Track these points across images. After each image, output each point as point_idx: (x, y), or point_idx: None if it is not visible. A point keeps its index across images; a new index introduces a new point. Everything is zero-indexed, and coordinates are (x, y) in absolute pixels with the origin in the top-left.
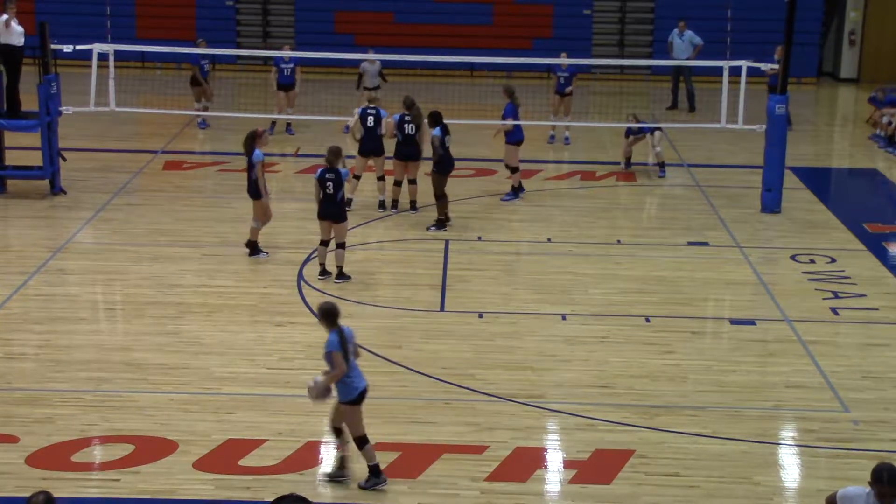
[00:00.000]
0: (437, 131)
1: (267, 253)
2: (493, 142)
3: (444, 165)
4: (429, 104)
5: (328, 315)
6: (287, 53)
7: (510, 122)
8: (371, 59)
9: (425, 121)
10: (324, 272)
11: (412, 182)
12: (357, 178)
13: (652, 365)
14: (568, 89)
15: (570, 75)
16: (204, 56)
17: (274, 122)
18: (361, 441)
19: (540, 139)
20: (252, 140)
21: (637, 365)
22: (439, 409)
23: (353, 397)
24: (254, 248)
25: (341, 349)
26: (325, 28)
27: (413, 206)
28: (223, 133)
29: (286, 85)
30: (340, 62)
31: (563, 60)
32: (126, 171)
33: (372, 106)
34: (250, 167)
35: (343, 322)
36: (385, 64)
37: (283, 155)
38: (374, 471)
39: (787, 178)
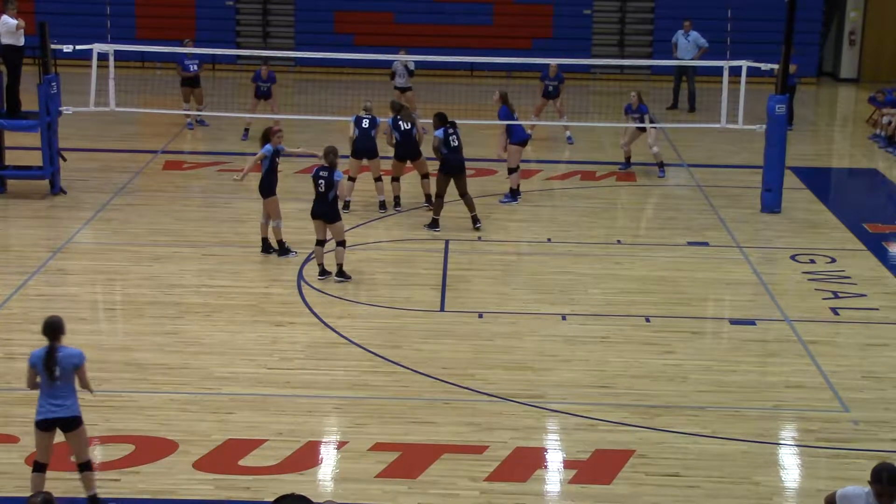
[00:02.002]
0: (439, 132)
1: (296, 252)
2: (493, 142)
3: (444, 166)
4: (429, 104)
5: (45, 329)
6: (271, 55)
7: (505, 122)
8: (403, 60)
9: (419, 119)
10: (323, 272)
11: (424, 177)
12: (352, 179)
13: (652, 365)
14: (558, 96)
15: (559, 83)
16: (191, 56)
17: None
18: (34, 466)
19: (539, 140)
20: (266, 136)
21: (637, 365)
22: (439, 409)
23: (35, 420)
24: (282, 247)
25: (36, 366)
26: (325, 28)
27: (428, 200)
28: (223, 133)
29: (264, 94)
30: (340, 62)
31: (553, 61)
32: (126, 171)
33: (367, 114)
34: (262, 164)
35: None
36: (384, 64)
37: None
38: None
39: (787, 178)
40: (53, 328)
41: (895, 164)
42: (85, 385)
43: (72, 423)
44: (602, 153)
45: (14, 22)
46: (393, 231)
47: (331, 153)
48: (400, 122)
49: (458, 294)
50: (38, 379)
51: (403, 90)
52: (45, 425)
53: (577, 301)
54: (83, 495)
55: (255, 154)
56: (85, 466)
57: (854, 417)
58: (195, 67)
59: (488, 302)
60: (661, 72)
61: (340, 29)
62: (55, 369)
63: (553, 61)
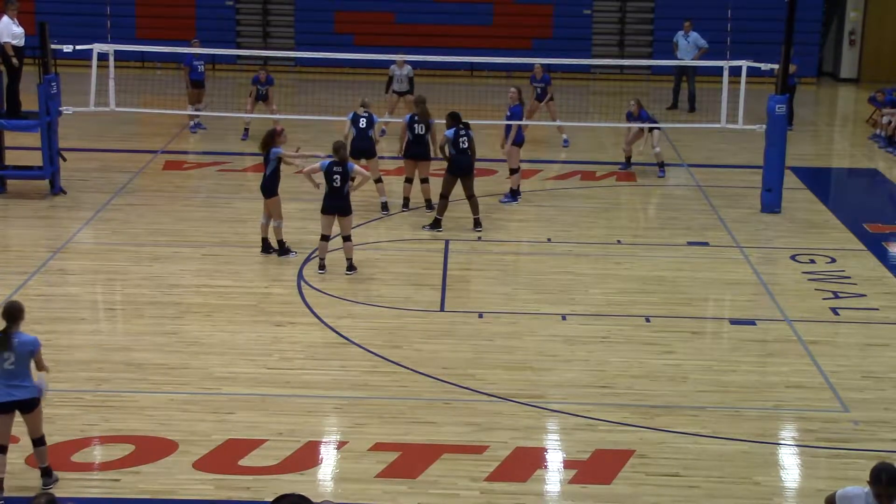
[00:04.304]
0: (449, 132)
1: (296, 252)
2: (493, 142)
3: (451, 167)
4: (429, 104)
5: (4, 313)
6: (270, 55)
7: (514, 122)
8: (399, 63)
9: (433, 120)
10: (323, 266)
11: (424, 181)
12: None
13: (652, 365)
14: (546, 98)
15: (546, 85)
16: (199, 57)
17: (247, 129)
18: None
19: (537, 141)
20: (271, 138)
21: (637, 365)
22: (439, 409)
23: None
24: (282, 247)
25: None
26: (325, 28)
27: (429, 204)
28: (223, 133)
29: (262, 97)
30: (340, 62)
31: (541, 61)
32: (126, 171)
33: (364, 110)
34: (267, 165)
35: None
36: (384, 64)
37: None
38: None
39: (787, 178)
40: (12, 313)
41: (895, 164)
42: (41, 367)
43: (30, 405)
44: (602, 153)
45: (19, 30)
46: (393, 231)
47: (341, 148)
48: (415, 124)
49: (458, 294)
50: None
51: (402, 94)
52: (3, 408)
53: (577, 301)
54: (84, 495)
55: (263, 156)
56: (39, 442)
57: (854, 417)
58: (202, 68)
59: (488, 302)
60: (661, 72)
61: (340, 29)
62: (8, 355)
63: (542, 61)
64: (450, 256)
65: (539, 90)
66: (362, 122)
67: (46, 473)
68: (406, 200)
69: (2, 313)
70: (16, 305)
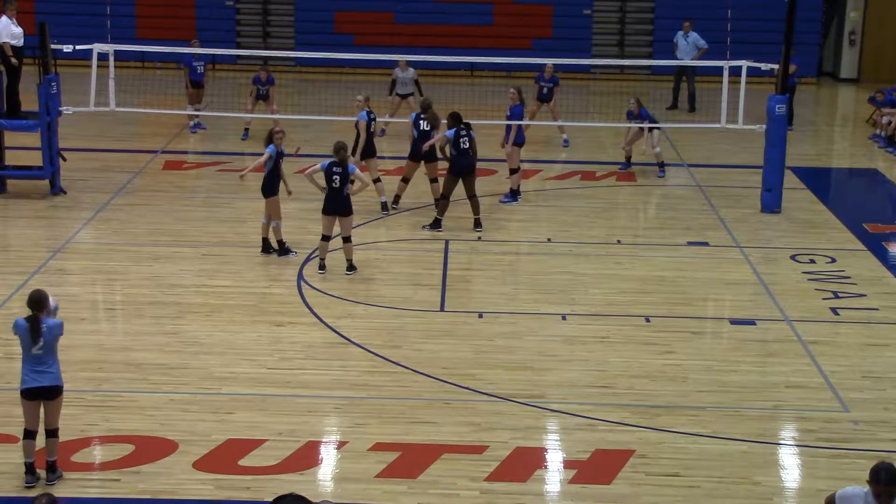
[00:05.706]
0: (449, 133)
1: (296, 252)
2: (493, 142)
3: (453, 167)
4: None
5: (31, 301)
6: (271, 55)
7: (514, 123)
8: (402, 65)
9: (443, 121)
10: (323, 266)
11: (433, 181)
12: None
13: (652, 365)
14: (551, 100)
15: (553, 86)
16: (199, 57)
17: (247, 129)
18: (24, 434)
19: (537, 141)
20: (269, 137)
21: (637, 365)
22: (439, 409)
23: (20, 389)
24: (282, 247)
25: (19, 336)
26: (325, 28)
27: (436, 204)
28: (223, 133)
29: (263, 97)
30: (340, 62)
31: (552, 61)
32: (126, 171)
33: (372, 112)
34: (265, 164)
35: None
36: (384, 64)
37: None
38: (29, 468)
39: (787, 178)
40: (38, 301)
41: (895, 164)
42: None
43: (53, 392)
44: (602, 153)
45: (18, 30)
46: (393, 231)
47: (341, 149)
48: (421, 122)
49: (458, 294)
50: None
51: (405, 96)
52: (29, 394)
53: (577, 301)
54: (84, 495)
55: (260, 154)
56: (52, 433)
57: (854, 417)
58: (202, 69)
59: (488, 302)
60: (661, 72)
61: (340, 29)
62: (39, 340)
63: (551, 61)
64: (450, 256)
65: (546, 90)
66: (373, 126)
67: (51, 469)
68: (396, 198)
69: (28, 301)
70: (41, 293)
